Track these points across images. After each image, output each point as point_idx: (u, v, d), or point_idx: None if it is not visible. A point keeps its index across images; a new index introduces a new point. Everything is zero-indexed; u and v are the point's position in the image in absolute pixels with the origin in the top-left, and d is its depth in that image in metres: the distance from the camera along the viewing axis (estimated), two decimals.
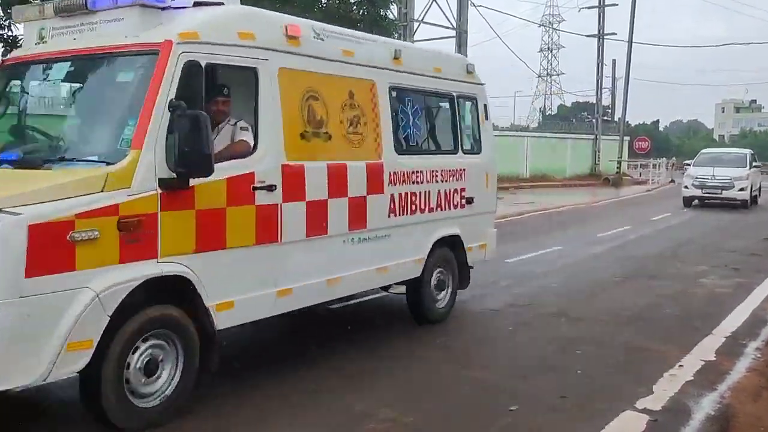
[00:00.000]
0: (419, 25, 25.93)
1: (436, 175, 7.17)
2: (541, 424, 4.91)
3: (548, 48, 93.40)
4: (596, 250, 13.35)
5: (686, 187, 23.64)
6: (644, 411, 5.09)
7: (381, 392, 5.48)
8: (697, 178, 23.28)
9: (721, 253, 13.10)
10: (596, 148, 42.10)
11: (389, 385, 5.66)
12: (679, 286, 9.90)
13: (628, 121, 47.35)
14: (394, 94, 6.75)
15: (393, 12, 18.12)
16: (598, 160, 41.84)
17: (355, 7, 14.39)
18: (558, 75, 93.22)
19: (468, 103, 7.95)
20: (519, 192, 29.12)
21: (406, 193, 6.73)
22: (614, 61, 46.75)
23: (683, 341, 6.95)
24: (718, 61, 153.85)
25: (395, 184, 6.58)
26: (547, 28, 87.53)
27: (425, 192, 7.01)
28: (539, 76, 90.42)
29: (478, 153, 8.04)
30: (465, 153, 7.77)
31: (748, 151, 25.91)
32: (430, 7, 26.38)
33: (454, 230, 7.50)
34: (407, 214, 6.76)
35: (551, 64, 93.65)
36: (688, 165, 26.56)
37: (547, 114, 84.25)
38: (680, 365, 6.18)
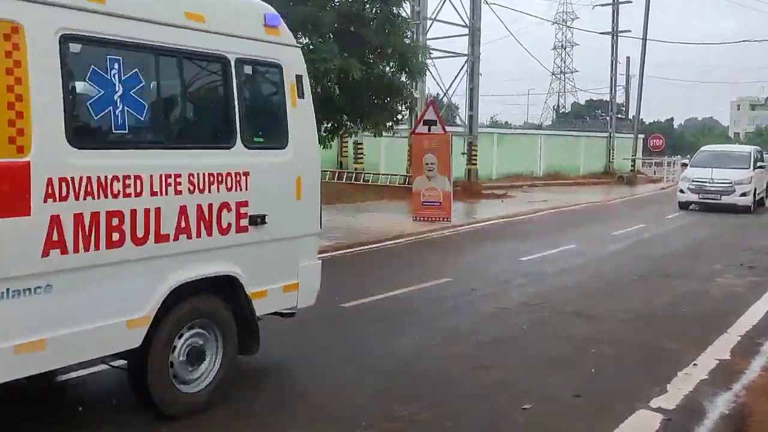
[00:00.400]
0: (432, 23, 25.95)
1: (177, 182, 4.58)
2: (554, 422, 4.90)
3: (562, 46, 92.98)
4: (611, 249, 13.30)
5: (682, 191, 21.24)
6: (658, 410, 5.07)
7: (394, 390, 5.49)
8: (693, 180, 20.88)
9: (735, 251, 13.01)
10: (610, 146, 41.91)
11: (402, 384, 5.66)
12: (694, 284, 9.84)
13: (642, 119, 47.20)
14: (75, 48, 4.17)
15: (406, 10, 18.09)
16: (613, 158, 41.66)
17: (367, 6, 14.36)
18: (572, 73, 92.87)
19: (262, 73, 5.48)
20: (533, 190, 29.07)
21: (97, 214, 4.16)
22: (628, 59, 46.56)
23: (698, 340, 6.92)
24: (733, 59, 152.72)
25: (66, 199, 4.01)
26: (561, 26, 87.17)
27: (150, 210, 4.42)
28: (553, 74, 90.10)
29: (282, 147, 5.40)
30: (251, 147, 5.14)
31: (752, 149, 23.35)
32: (443, 5, 26.37)
33: (223, 267, 4.94)
34: (100, 247, 4.18)
35: (565, 62, 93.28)
36: (686, 165, 23.89)
37: (560, 112, 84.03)
38: (695, 364, 6.15)
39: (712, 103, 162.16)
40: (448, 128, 18.58)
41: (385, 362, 6.21)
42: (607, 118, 45.82)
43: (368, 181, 26.12)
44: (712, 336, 7.08)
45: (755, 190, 20.92)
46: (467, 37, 26.67)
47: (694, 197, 20.76)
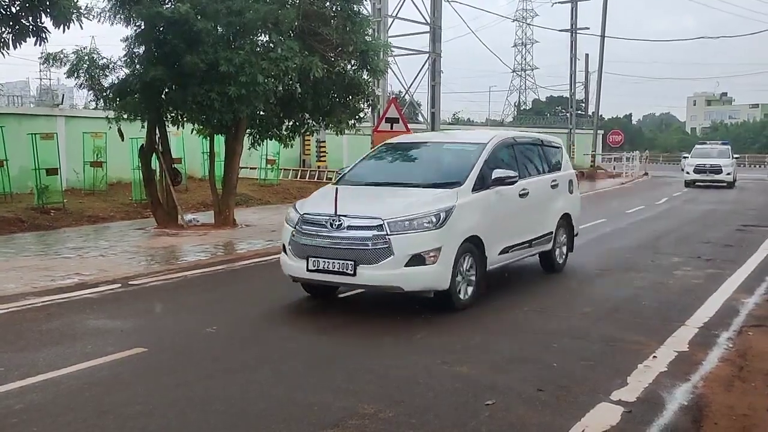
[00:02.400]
0: (393, 20, 25.97)
1: None
2: (517, 417, 4.94)
3: (522, 43, 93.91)
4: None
5: (284, 249, 8.14)
6: (619, 402, 5.15)
7: (360, 388, 5.48)
8: (304, 224, 7.83)
9: (695, 244, 13.27)
10: (570, 142, 42.44)
11: (368, 381, 5.66)
12: (654, 277, 10.00)
13: (601, 115, 47.96)
14: None
15: (367, 8, 18.09)
16: (573, 154, 42.18)
17: (328, 3, 14.32)
18: (532, 70, 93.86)
19: None
20: None
21: None
22: (587, 56, 47.27)
23: (657, 333, 7.03)
24: (689, 55, 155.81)
25: None
26: (521, 23, 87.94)
27: None
28: (513, 71, 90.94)
29: None
30: None
31: (491, 138, 9.05)
32: (404, 2, 26.41)
33: None
34: None
35: (525, 59, 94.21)
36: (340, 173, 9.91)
37: (521, 109, 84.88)
38: (654, 356, 6.25)
39: (669, 99, 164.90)
40: (410, 125, 18.62)
41: (349, 361, 6.20)
42: (567, 114, 46.43)
43: (331, 178, 26.03)
44: (671, 328, 7.19)
45: (481, 243, 8.11)
46: (428, 34, 26.77)
47: (299, 268, 7.78)
